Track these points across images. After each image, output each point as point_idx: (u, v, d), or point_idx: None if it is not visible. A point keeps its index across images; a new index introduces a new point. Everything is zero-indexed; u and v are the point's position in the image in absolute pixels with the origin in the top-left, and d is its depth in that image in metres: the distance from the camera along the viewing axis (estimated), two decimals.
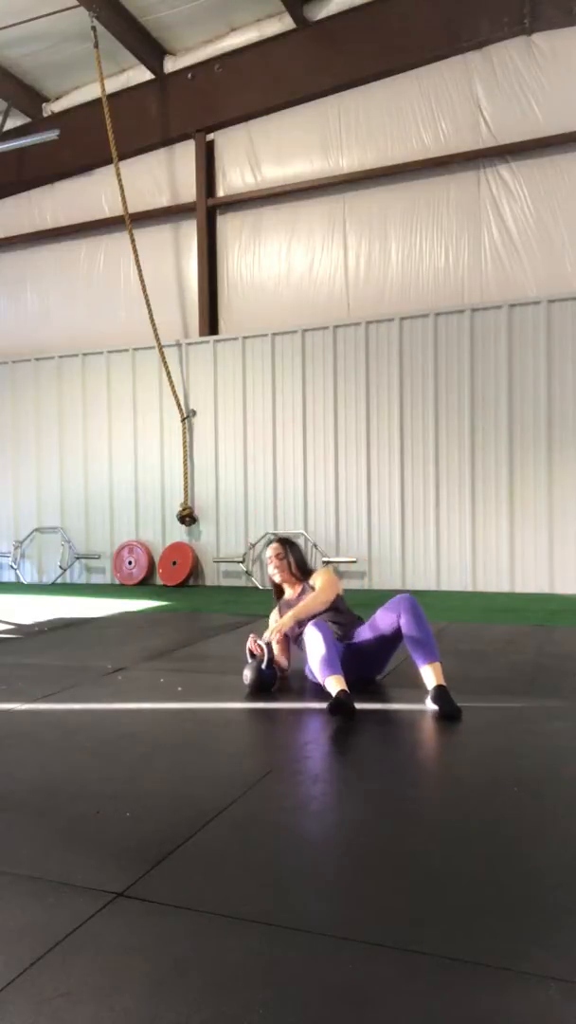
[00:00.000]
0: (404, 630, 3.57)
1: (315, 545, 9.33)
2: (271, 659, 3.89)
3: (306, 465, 9.52)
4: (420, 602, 3.70)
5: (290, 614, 4.01)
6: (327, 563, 9.18)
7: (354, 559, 9.12)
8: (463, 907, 1.78)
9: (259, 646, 3.93)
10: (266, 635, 4.05)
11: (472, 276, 9.03)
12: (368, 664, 3.88)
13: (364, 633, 3.83)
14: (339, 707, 3.30)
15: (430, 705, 3.45)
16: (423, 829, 2.23)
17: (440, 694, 3.42)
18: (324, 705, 3.38)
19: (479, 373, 8.69)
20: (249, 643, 4.01)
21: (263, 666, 3.84)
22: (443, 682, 3.49)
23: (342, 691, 3.35)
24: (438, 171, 9.13)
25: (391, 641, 3.73)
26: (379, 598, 7.88)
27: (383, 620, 3.70)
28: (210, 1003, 1.45)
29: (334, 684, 3.41)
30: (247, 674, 3.89)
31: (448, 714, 3.34)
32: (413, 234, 9.31)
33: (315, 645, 3.52)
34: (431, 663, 3.52)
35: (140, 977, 1.53)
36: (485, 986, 1.49)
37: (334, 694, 3.36)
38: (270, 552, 4.29)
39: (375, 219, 9.50)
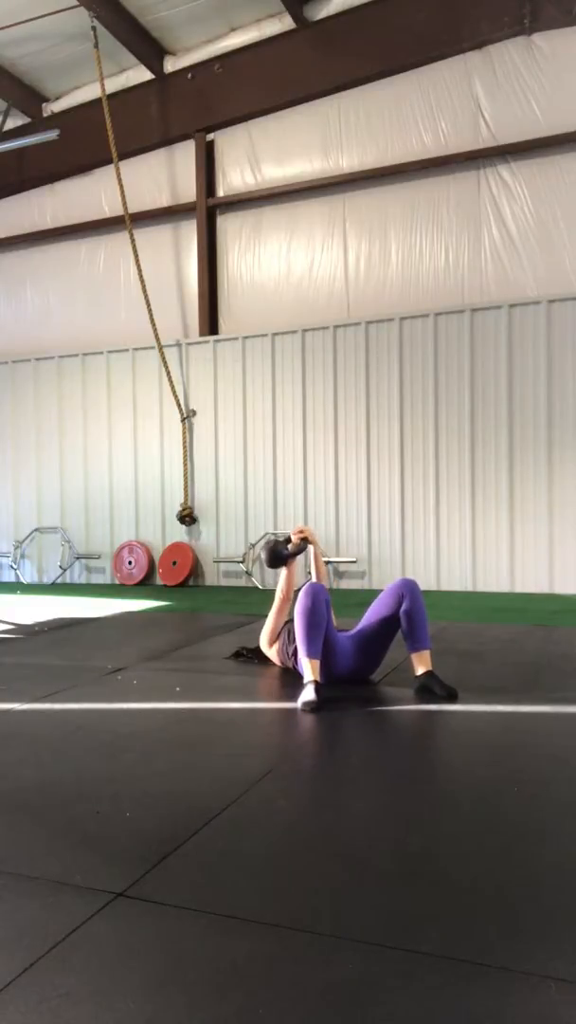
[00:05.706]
0: (405, 611, 3.73)
1: None
2: (295, 547, 4.13)
3: (306, 465, 9.52)
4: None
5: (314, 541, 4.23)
6: (327, 563, 9.20)
7: (354, 559, 9.12)
8: (463, 907, 1.78)
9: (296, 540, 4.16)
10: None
11: (472, 276, 9.03)
12: (369, 653, 3.94)
13: (367, 619, 3.92)
14: (309, 704, 3.45)
15: (420, 689, 3.73)
16: (423, 829, 2.23)
17: (433, 679, 3.70)
18: (310, 699, 3.45)
19: (479, 373, 8.69)
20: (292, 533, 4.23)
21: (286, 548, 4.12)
22: (432, 668, 3.75)
23: (314, 682, 3.53)
24: (438, 171, 9.13)
25: (392, 625, 3.83)
26: None
27: (387, 601, 3.82)
28: (210, 1003, 1.45)
29: (309, 671, 3.58)
30: (263, 555, 4.21)
31: (448, 694, 3.62)
32: (413, 234, 9.30)
33: (303, 615, 3.63)
34: (424, 649, 3.76)
35: (140, 977, 1.53)
36: (485, 986, 1.49)
37: (308, 681, 3.54)
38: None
39: (375, 219, 9.50)
